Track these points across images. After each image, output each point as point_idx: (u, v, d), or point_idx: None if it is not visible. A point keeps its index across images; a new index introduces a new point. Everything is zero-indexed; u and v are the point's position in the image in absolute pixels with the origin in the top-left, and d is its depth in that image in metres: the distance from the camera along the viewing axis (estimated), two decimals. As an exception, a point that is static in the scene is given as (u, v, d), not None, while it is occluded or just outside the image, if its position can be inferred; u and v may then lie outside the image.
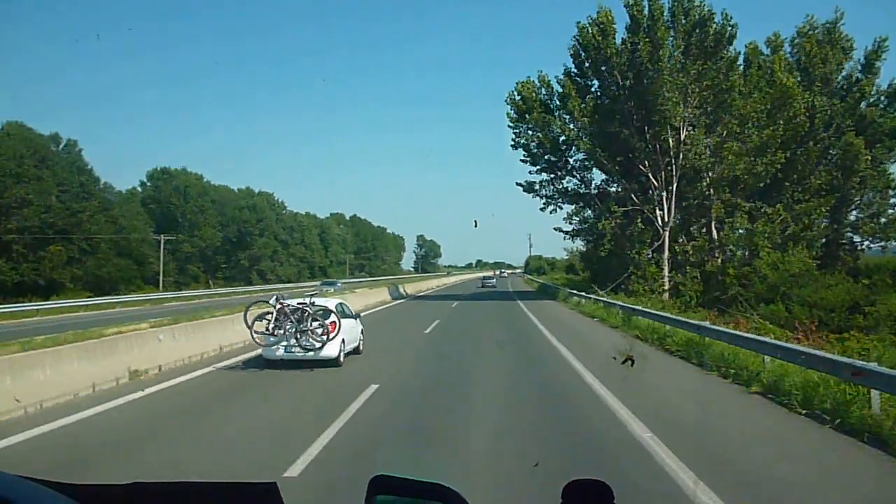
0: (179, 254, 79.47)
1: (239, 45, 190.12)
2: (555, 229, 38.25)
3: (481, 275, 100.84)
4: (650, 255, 35.58)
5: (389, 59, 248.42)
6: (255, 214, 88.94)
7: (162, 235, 59.46)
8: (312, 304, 13.13)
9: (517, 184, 37.01)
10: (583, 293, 33.00)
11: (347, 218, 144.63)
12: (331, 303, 13.98)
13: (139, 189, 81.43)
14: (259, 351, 13.43)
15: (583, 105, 34.01)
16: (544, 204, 37.24)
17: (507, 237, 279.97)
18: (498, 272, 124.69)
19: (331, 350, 12.75)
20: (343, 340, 13.25)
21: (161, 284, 58.58)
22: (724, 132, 34.55)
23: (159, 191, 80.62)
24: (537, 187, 36.93)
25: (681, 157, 34.33)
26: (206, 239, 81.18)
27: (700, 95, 33.84)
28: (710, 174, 35.90)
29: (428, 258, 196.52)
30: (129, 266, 66.86)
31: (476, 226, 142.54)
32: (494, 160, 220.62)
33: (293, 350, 12.65)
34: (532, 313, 26.72)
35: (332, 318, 12.96)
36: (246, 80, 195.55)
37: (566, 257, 74.69)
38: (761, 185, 35.72)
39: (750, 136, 34.18)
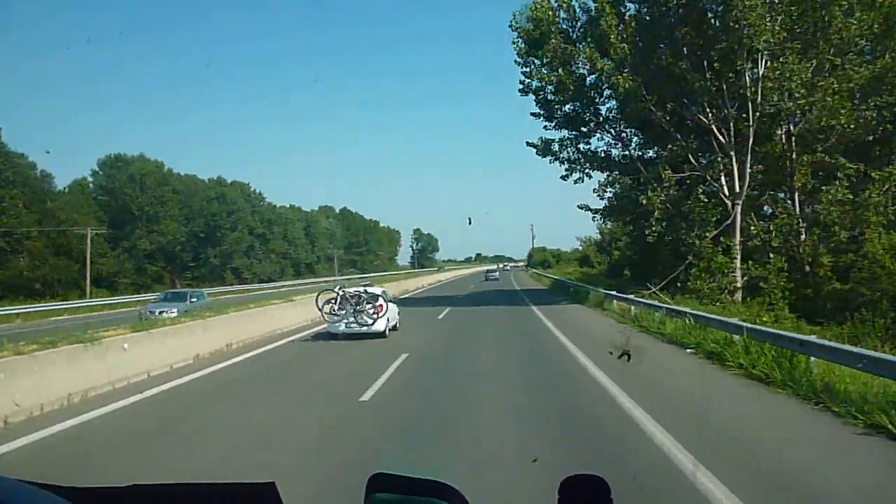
0: (136, 251, 69.17)
1: (214, 18, 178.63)
2: (580, 207, 27.98)
3: (481, 269, 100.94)
4: (713, 240, 25.27)
5: (383, 33, 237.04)
6: (225, 206, 78.46)
7: (89, 229, 48.90)
8: (366, 291, 17.23)
9: (528, 144, 26.64)
10: (629, 295, 22.65)
11: (338, 211, 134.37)
12: (378, 290, 17.87)
13: (90, 179, 71.02)
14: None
15: (621, 28, 23.61)
16: (567, 171, 26.84)
17: (508, 229, 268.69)
18: (501, 265, 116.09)
19: (380, 325, 16.44)
20: (388, 318, 16.91)
21: (88, 288, 48.09)
22: (818, 64, 24.19)
23: (112, 180, 70.21)
24: (556, 148, 26.55)
25: (759, 99, 23.95)
26: (166, 234, 70.79)
27: (787, 10, 23.49)
28: (792, 125, 25.63)
29: (425, 253, 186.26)
30: (68, 266, 56.63)
31: (470, 223, 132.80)
32: (494, 149, 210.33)
33: (352, 326, 16.37)
34: (568, 338, 15.74)
35: (381, 301, 16.79)
36: (224, 60, 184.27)
37: (579, 247, 64.23)
38: (870, 138, 25.38)
39: (853, 70, 23.80)
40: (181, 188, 74.95)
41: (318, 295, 17.51)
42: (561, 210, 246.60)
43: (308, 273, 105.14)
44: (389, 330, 17.02)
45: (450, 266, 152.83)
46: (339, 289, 17.25)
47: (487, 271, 75.59)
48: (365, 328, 16.09)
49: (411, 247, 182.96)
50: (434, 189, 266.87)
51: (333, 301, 16.51)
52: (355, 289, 17.43)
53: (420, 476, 0.91)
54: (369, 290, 17.38)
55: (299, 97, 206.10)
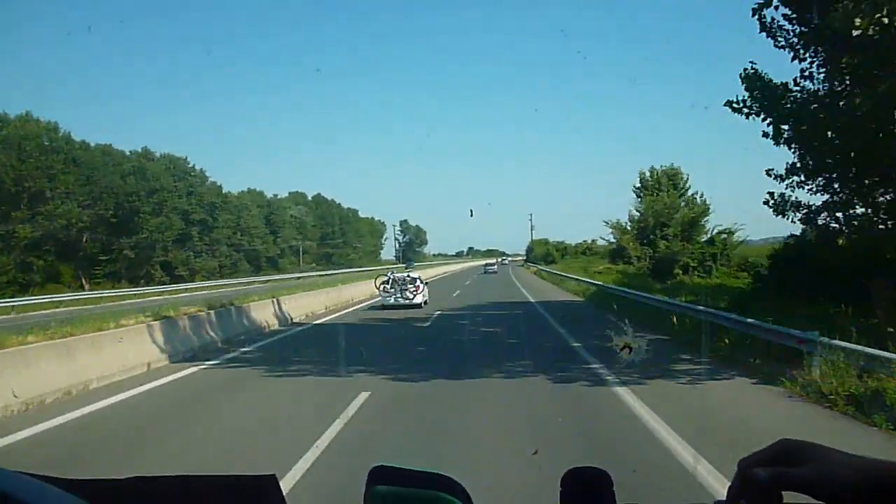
0: (16, 241, 51.22)
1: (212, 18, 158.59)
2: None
3: (474, 264, 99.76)
4: None
5: (383, 25, 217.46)
6: (146, 183, 60.16)
7: None
8: (409, 276, 24.67)
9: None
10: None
11: (310, 199, 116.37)
12: (416, 275, 25.39)
13: (-45, 144, 52.65)
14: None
15: None
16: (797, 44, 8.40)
17: (501, 223, 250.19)
18: (500, 259, 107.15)
19: (418, 299, 23.15)
20: (423, 295, 23.69)
21: None
22: None
23: (-16, 146, 52.10)
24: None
25: None
26: (59, 217, 52.74)
27: None
28: None
29: (412, 246, 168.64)
30: None
31: (472, 215, 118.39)
32: (490, 142, 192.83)
33: (399, 299, 22.97)
34: None
35: (418, 283, 23.86)
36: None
37: (609, 236, 46.33)
38: None
39: None
40: (84, 159, 56.78)
41: (376, 279, 25.64)
42: (562, 200, 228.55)
43: (270, 268, 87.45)
44: (424, 303, 23.40)
45: (439, 260, 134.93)
46: (391, 274, 24.58)
47: (486, 265, 79.43)
48: (407, 301, 22.76)
49: (397, 240, 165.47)
50: (424, 181, 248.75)
51: (387, 282, 23.73)
52: (401, 274, 25.28)
53: (422, 469, 0.86)
54: (411, 274, 25.39)
55: (295, 87, 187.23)
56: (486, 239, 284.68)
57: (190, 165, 70.85)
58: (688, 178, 48.84)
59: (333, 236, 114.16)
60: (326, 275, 72.10)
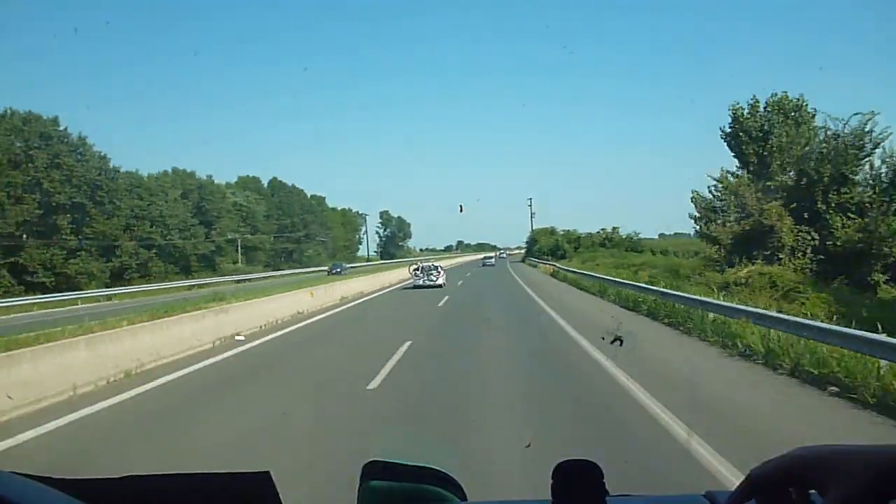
0: None
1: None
2: None
3: (464, 259, 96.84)
4: None
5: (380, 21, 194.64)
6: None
7: None
8: (433, 265, 32.48)
9: None
10: None
11: (266, 185, 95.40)
12: (438, 264, 33.68)
13: None
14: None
15: None
16: None
17: (494, 213, 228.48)
18: (497, 253, 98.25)
19: (440, 281, 30.39)
20: (443, 279, 30.97)
21: None
22: None
23: None
24: None
25: None
26: None
27: None
28: None
29: (394, 240, 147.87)
30: None
31: (462, 210, 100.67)
32: (479, 126, 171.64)
33: (426, 281, 30.23)
34: None
35: (440, 270, 31.57)
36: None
37: (711, 225, 25.41)
38: None
39: None
40: None
41: (410, 266, 34.79)
42: (559, 189, 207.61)
43: (203, 269, 66.61)
44: (443, 284, 30.20)
45: (423, 256, 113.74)
46: (420, 263, 33.82)
47: (485, 257, 78.60)
48: (431, 282, 29.92)
49: (377, 233, 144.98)
50: (409, 171, 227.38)
51: (417, 269, 31.71)
52: (427, 263, 33.36)
53: (415, 463, 0.89)
54: (435, 263, 33.55)
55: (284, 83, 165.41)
56: (478, 232, 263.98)
57: (61, 129, 49.62)
58: (815, 115, 28.69)
59: (293, 229, 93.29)
60: (249, 279, 51.38)
